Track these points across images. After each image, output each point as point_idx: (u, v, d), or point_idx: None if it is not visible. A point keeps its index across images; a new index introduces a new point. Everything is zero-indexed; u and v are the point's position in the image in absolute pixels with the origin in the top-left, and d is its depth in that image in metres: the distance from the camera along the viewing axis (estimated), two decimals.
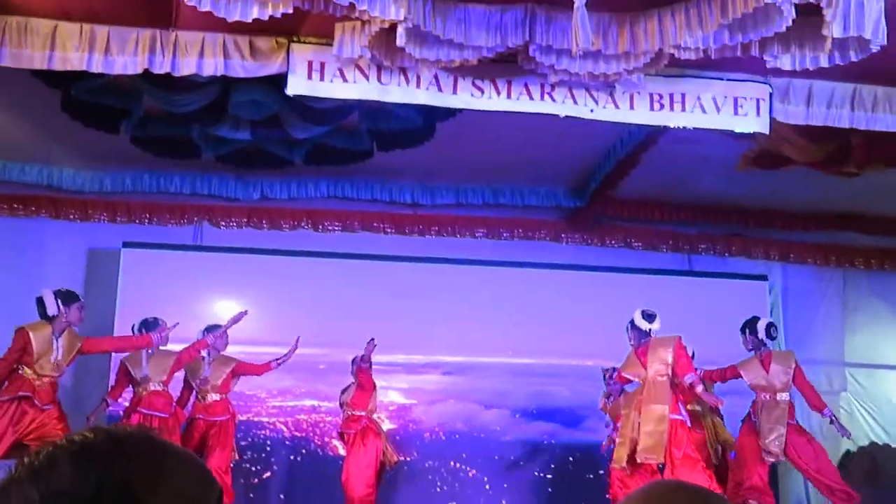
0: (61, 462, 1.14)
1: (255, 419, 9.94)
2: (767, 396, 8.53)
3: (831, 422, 8.59)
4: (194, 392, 8.50)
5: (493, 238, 10.95)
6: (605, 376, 8.85)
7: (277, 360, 8.63)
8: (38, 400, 7.29)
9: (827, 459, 8.67)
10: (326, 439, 10.05)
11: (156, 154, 8.81)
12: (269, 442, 9.96)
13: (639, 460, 7.71)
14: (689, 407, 8.30)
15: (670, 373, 7.88)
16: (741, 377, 8.68)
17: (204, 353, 8.48)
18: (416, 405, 10.41)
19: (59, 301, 7.50)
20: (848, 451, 10.90)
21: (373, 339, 8.53)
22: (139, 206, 10.28)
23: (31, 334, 7.38)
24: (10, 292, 9.20)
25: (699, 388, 7.84)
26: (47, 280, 8.23)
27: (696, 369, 8.23)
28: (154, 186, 9.95)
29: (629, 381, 8.30)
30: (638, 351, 8.08)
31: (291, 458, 10.02)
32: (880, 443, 10.97)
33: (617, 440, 7.97)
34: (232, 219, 10.50)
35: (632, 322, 8.16)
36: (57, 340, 7.46)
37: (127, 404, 8.38)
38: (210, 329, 8.49)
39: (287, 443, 10.07)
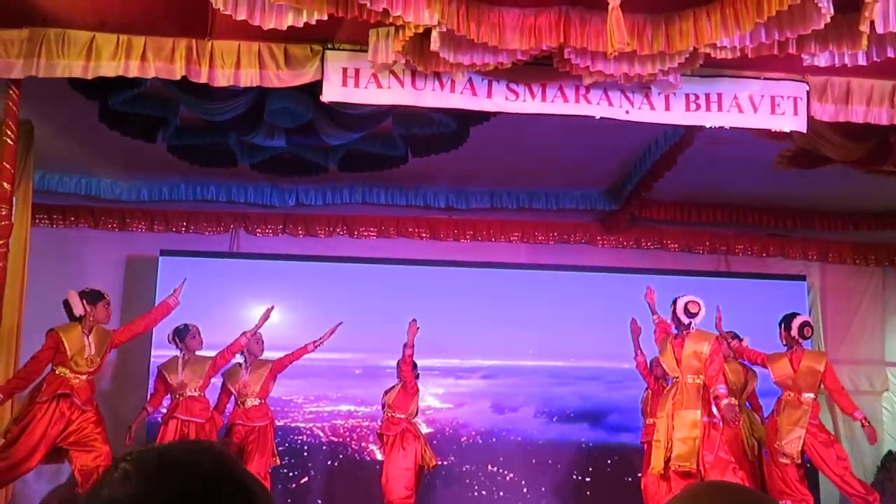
0: None
1: (292, 424, 9.98)
2: (792, 395, 8.45)
3: (863, 426, 8.45)
4: (233, 398, 8.55)
5: (528, 241, 10.95)
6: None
7: (314, 342, 8.63)
8: (77, 398, 7.37)
9: (847, 464, 8.55)
10: (363, 444, 10.08)
11: (192, 162, 8.87)
12: (306, 447, 10.00)
13: (672, 468, 7.63)
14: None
15: (703, 374, 7.77)
16: (767, 368, 8.62)
17: (241, 359, 8.54)
18: (453, 409, 10.41)
19: (85, 301, 7.61)
20: (890, 452, 10.78)
21: (415, 321, 8.50)
22: (176, 215, 10.39)
23: (61, 334, 7.49)
24: (52, 302, 9.28)
25: (724, 402, 7.61)
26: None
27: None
28: (190, 195, 10.05)
29: (662, 373, 8.23)
30: (675, 341, 7.97)
31: (329, 462, 10.05)
32: None
33: (654, 445, 7.90)
34: (268, 226, 10.57)
35: (673, 311, 8.05)
36: (87, 338, 7.57)
37: (164, 411, 8.45)
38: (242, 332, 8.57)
39: (324, 448, 10.10)
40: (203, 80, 6.03)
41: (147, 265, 9.98)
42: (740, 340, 8.89)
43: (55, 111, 7.93)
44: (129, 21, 5.90)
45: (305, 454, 9.96)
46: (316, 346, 8.66)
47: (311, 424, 10.14)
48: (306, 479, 9.93)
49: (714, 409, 7.75)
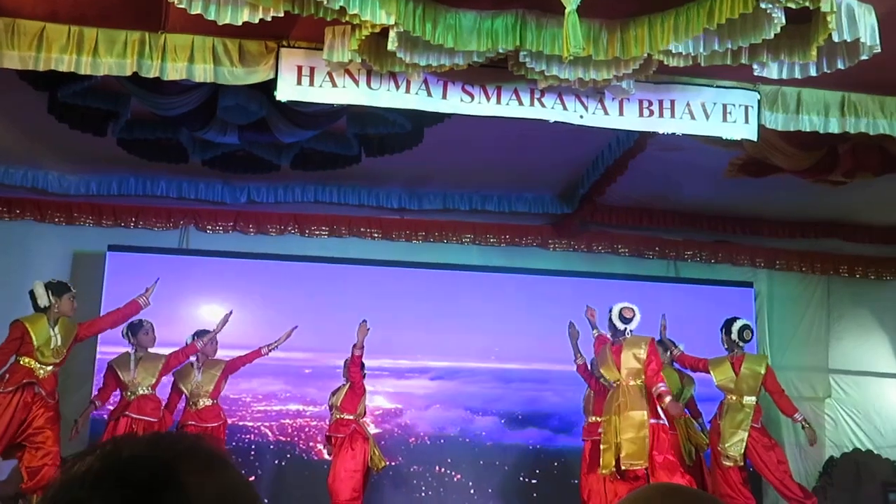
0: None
1: (240, 423, 9.90)
2: (734, 398, 8.57)
3: (803, 427, 8.62)
4: (184, 398, 8.47)
5: (480, 244, 10.96)
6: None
7: (269, 345, 8.64)
8: (43, 388, 7.30)
9: (786, 468, 8.71)
10: (311, 444, 10.03)
11: (143, 157, 8.77)
12: (254, 446, 9.92)
13: (623, 467, 7.73)
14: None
15: (643, 376, 7.91)
16: (709, 373, 8.75)
17: (193, 358, 8.47)
18: (402, 410, 10.40)
19: (50, 292, 7.56)
20: (832, 458, 10.95)
21: (365, 322, 8.51)
22: (125, 210, 10.25)
23: (27, 325, 7.43)
24: None
25: (667, 399, 7.83)
26: (32, 283, 8.18)
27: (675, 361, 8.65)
28: (140, 190, 9.92)
29: (601, 377, 8.33)
30: (613, 349, 8.11)
31: (276, 462, 9.98)
32: (863, 449, 11.02)
33: (602, 446, 7.97)
34: (218, 223, 10.47)
35: (609, 319, 8.20)
36: (53, 329, 7.52)
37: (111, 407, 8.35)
38: (199, 334, 8.50)
39: (272, 447, 10.03)
40: (154, 74, 5.96)
41: (94, 260, 9.84)
42: (675, 346, 9.02)
43: (2, 101, 7.80)
44: (81, 12, 5.81)
45: (253, 454, 9.88)
46: (270, 350, 8.65)
47: (259, 423, 10.07)
48: (253, 478, 9.84)
49: (659, 410, 7.87)
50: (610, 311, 8.23)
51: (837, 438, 11.24)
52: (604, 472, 7.88)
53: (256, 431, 10.03)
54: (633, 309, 8.20)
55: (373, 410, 9.72)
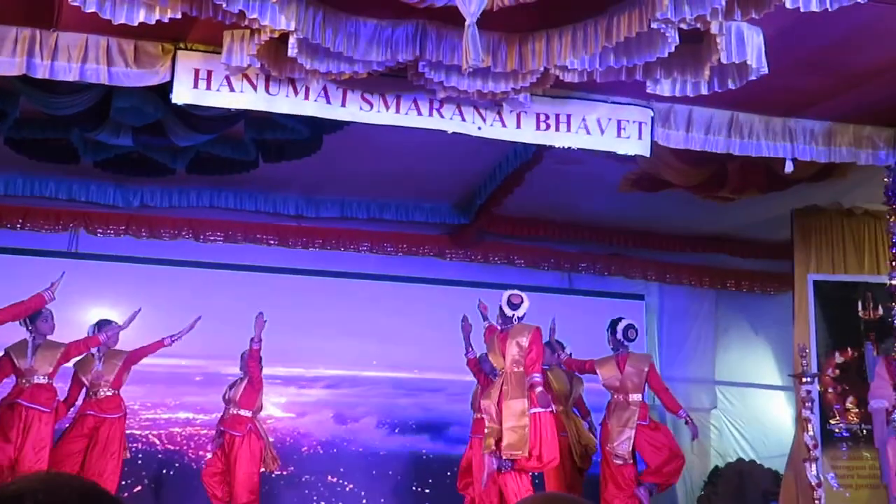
0: None
1: (128, 432, 9.66)
2: (621, 397, 8.74)
3: (686, 422, 8.81)
4: (85, 388, 8.27)
5: (377, 252, 10.94)
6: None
7: (172, 336, 8.52)
8: None
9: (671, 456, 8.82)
10: (201, 453, 9.87)
11: (31, 157, 8.51)
12: (140, 455, 9.72)
13: (503, 456, 7.76)
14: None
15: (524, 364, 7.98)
16: (597, 374, 8.90)
17: (94, 349, 8.28)
18: (295, 418, 10.32)
19: None
20: (717, 467, 11.24)
21: (261, 314, 8.42)
22: (12, 211, 9.94)
23: None
24: None
25: (538, 390, 7.91)
26: None
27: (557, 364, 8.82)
28: (28, 190, 9.62)
29: (490, 369, 8.39)
30: (500, 336, 8.18)
31: (163, 471, 9.80)
32: (747, 459, 11.32)
33: (485, 430, 7.95)
34: (110, 226, 10.23)
35: (500, 306, 8.26)
36: None
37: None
38: (102, 325, 8.32)
39: (159, 456, 9.86)
40: (45, 74, 5.80)
41: None
42: (563, 348, 9.18)
43: None
44: None
45: (140, 462, 9.67)
46: (173, 341, 8.53)
47: (146, 432, 9.88)
48: (139, 487, 9.65)
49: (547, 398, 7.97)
50: (500, 299, 8.30)
51: (722, 448, 11.54)
52: (485, 451, 7.88)
53: (144, 440, 9.83)
54: (521, 295, 8.28)
55: (265, 418, 9.61)
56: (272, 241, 10.62)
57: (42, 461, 7.61)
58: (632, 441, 8.54)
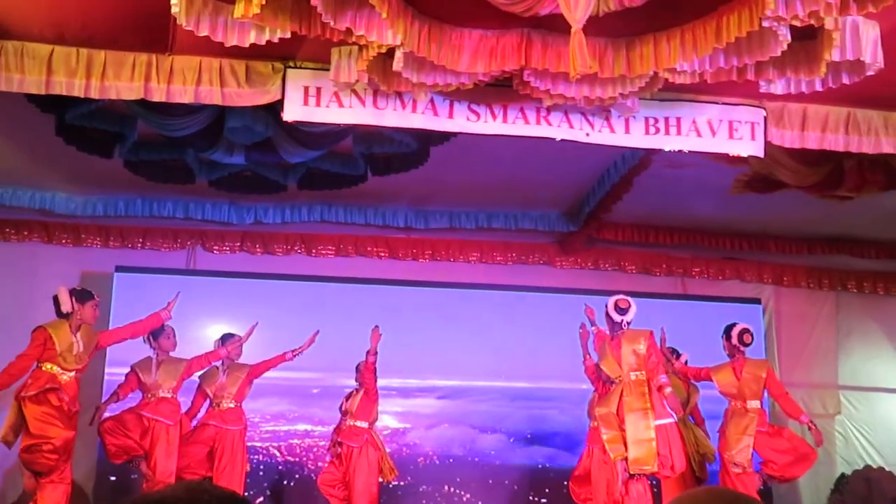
0: None
1: (249, 444, 9.85)
2: (738, 404, 8.52)
3: (810, 428, 8.54)
4: (208, 400, 8.48)
5: (486, 262, 10.96)
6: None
7: (293, 351, 8.64)
8: (66, 394, 7.30)
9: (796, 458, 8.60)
10: (320, 464, 9.97)
11: (149, 178, 8.79)
12: (262, 467, 9.89)
13: (631, 472, 7.61)
14: None
15: (644, 370, 7.79)
16: (713, 381, 8.69)
17: (218, 363, 8.49)
18: (410, 429, 10.37)
19: (74, 298, 7.57)
20: (843, 475, 10.90)
21: (377, 327, 8.51)
22: (132, 231, 10.28)
23: (50, 331, 7.42)
24: (2, 317, 9.18)
25: (667, 391, 7.74)
26: (39, 305, 8.18)
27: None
28: (147, 211, 9.94)
29: (608, 378, 8.19)
30: (611, 343, 8.02)
31: (284, 483, 9.96)
32: (874, 465, 10.96)
33: (605, 436, 7.75)
34: (225, 243, 10.49)
35: (606, 312, 8.12)
36: (76, 335, 7.51)
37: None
38: (225, 339, 8.52)
39: (280, 468, 10.01)
40: (162, 97, 5.98)
41: (102, 281, 9.81)
42: (679, 357, 8.98)
43: (9, 123, 7.83)
44: (88, 35, 5.84)
45: (261, 474, 9.85)
46: (295, 355, 8.66)
47: (267, 444, 10.05)
48: (261, 499, 9.82)
49: (667, 407, 7.76)
50: (606, 305, 8.10)
51: (848, 455, 11.19)
52: (618, 457, 7.64)
53: (265, 452, 10.01)
54: (628, 300, 8.07)
55: (381, 430, 9.69)
56: (382, 254, 10.73)
57: (170, 470, 7.86)
58: (750, 449, 8.35)
